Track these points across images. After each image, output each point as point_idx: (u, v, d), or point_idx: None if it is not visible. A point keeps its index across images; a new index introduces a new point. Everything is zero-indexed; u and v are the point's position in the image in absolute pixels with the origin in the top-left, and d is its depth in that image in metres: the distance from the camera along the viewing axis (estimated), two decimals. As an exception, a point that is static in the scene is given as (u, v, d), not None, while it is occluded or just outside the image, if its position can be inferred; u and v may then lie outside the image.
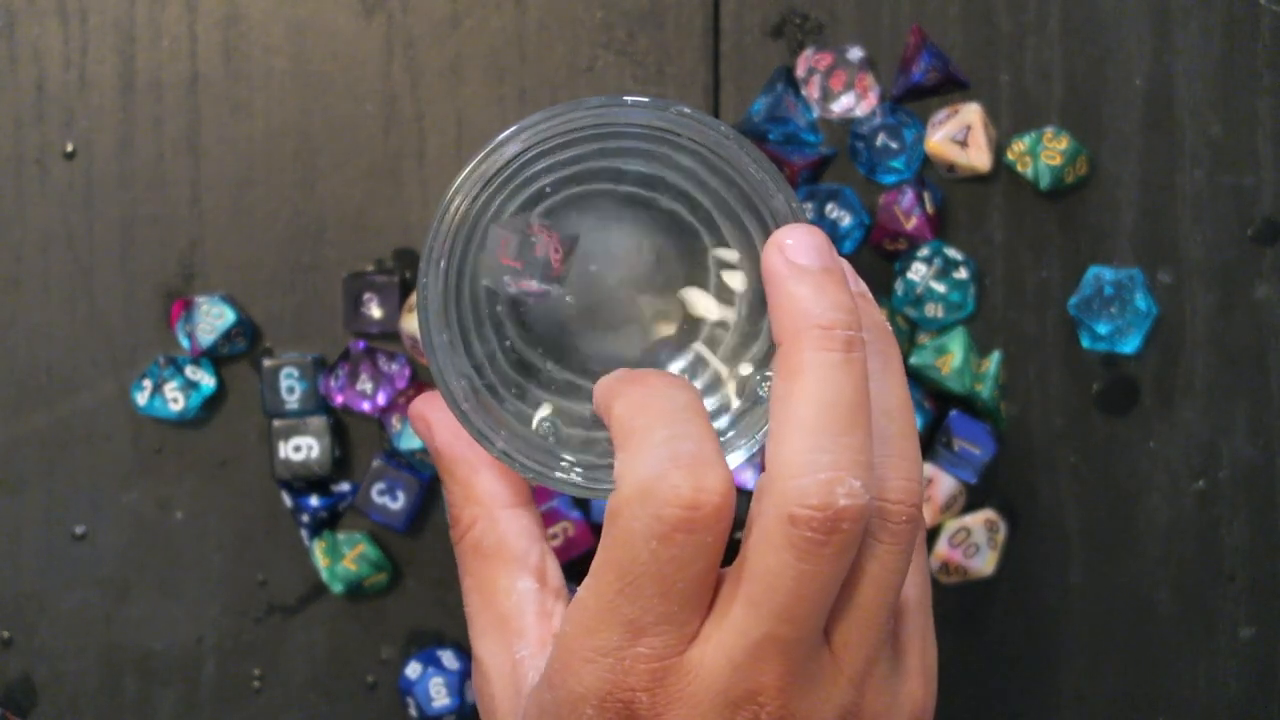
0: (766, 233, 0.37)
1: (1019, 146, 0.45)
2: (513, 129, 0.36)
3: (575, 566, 0.46)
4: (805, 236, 0.34)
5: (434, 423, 0.38)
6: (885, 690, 0.34)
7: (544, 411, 0.38)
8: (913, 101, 0.46)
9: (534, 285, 0.37)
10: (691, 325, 0.38)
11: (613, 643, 0.32)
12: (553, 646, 0.34)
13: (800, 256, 0.34)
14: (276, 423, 0.46)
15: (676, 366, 0.38)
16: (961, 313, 0.45)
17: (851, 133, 0.45)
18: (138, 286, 0.47)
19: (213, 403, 0.46)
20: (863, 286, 0.36)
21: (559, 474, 0.37)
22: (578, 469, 0.37)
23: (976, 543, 0.46)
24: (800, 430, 0.32)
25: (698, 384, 0.38)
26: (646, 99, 0.36)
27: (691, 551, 0.32)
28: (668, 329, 0.38)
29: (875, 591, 0.33)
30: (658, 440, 0.32)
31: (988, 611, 0.47)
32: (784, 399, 0.33)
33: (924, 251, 0.45)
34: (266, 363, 0.46)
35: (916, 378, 0.46)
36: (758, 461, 0.45)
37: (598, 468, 0.37)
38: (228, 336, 0.46)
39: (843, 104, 0.45)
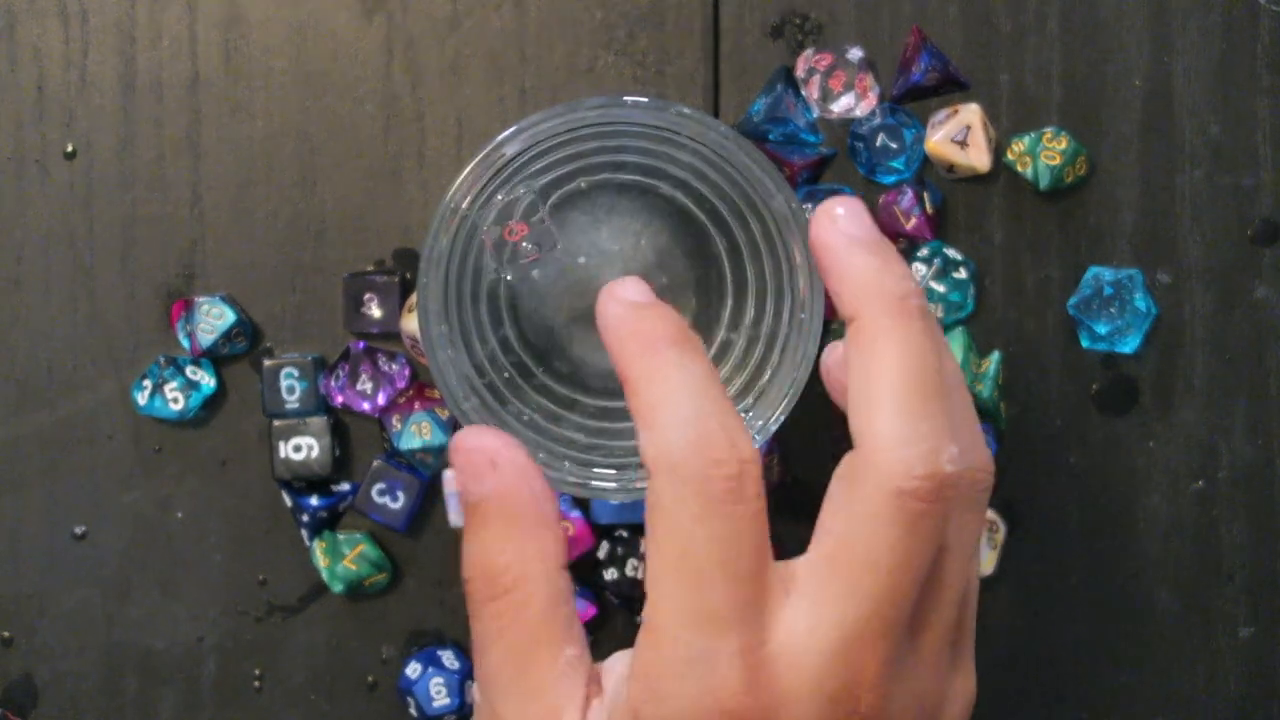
0: (767, 233, 0.37)
1: (1018, 147, 0.45)
2: (513, 129, 0.36)
3: (575, 567, 0.46)
4: (855, 206, 0.33)
5: (502, 460, 0.33)
6: (947, 680, 0.33)
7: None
8: (912, 102, 0.46)
9: (525, 255, 0.36)
10: (705, 332, 0.38)
11: (697, 647, 0.30)
12: (628, 683, 0.31)
13: (854, 228, 0.33)
14: (276, 423, 0.46)
15: None
16: (961, 313, 0.45)
17: (851, 133, 0.45)
18: (138, 286, 0.47)
19: (213, 403, 0.46)
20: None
21: (559, 474, 0.37)
22: (579, 469, 0.37)
23: (976, 543, 0.46)
24: (892, 401, 0.31)
25: None
26: (646, 99, 0.36)
27: (744, 524, 0.30)
28: None
29: (957, 566, 0.32)
30: (685, 416, 0.31)
31: (988, 611, 0.47)
32: (867, 371, 0.31)
33: (924, 252, 0.45)
34: (266, 363, 0.46)
35: (916, 378, 0.46)
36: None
37: (598, 466, 0.37)
38: (228, 336, 0.46)
39: (842, 104, 0.45)
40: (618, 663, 0.33)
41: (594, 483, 0.37)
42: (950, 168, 0.45)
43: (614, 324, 0.33)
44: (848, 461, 0.32)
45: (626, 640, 0.46)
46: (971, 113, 0.45)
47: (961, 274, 0.45)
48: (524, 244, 0.35)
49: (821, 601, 0.31)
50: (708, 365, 0.32)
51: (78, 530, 0.47)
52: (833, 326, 0.46)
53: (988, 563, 0.46)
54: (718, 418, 0.31)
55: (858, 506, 0.31)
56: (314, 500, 0.46)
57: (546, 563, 0.33)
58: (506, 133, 0.36)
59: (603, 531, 0.46)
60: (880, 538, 0.30)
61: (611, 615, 0.47)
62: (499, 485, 0.33)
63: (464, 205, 0.36)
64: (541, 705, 0.32)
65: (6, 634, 0.47)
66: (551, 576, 0.33)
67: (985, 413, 0.46)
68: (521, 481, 0.33)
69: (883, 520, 0.30)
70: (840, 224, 0.33)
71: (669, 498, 0.31)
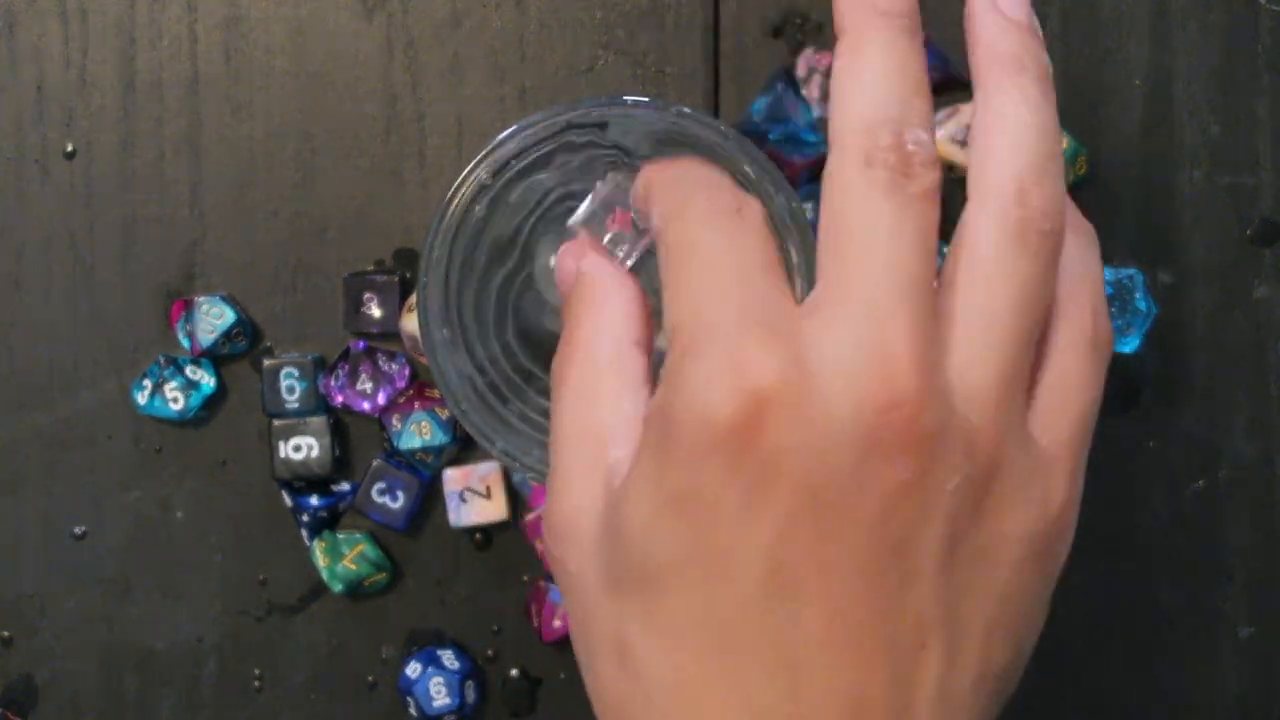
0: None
1: (1019, 146, 0.45)
2: (513, 129, 0.36)
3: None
4: None
5: (587, 247, 0.34)
6: (1015, 459, 0.30)
7: None
8: (913, 101, 0.45)
9: (634, 242, 0.36)
10: None
11: (719, 330, 0.29)
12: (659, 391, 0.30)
13: (1008, 6, 0.32)
14: (276, 423, 0.46)
15: None
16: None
17: (851, 133, 0.45)
18: (138, 286, 0.47)
19: (213, 403, 0.46)
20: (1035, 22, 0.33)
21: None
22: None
23: (976, 543, 0.46)
24: (867, 90, 0.30)
25: None
26: (646, 98, 0.36)
27: (747, 237, 0.30)
28: None
29: (993, 292, 0.30)
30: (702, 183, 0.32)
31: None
32: (842, 73, 0.31)
33: (924, 251, 0.45)
34: (266, 363, 0.46)
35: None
36: None
37: None
38: (228, 336, 0.46)
39: (843, 104, 0.45)
40: None
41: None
42: (951, 167, 0.45)
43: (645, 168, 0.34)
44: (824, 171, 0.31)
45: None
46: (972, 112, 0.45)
47: (962, 274, 0.45)
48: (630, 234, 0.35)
49: (829, 292, 0.29)
50: (719, 170, 0.33)
51: (78, 530, 0.47)
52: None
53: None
54: (723, 181, 0.32)
55: (836, 193, 0.30)
56: (314, 500, 0.46)
57: (613, 327, 0.33)
58: (506, 132, 0.36)
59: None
60: (861, 213, 0.29)
61: (611, 615, 0.47)
62: (585, 261, 0.34)
63: (463, 205, 0.36)
64: (592, 450, 0.32)
65: (6, 634, 0.47)
66: (617, 338, 0.32)
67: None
68: (594, 266, 0.34)
69: (858, 193, 0.29)
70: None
71: (674, 234, 0.31)
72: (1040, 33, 0.33)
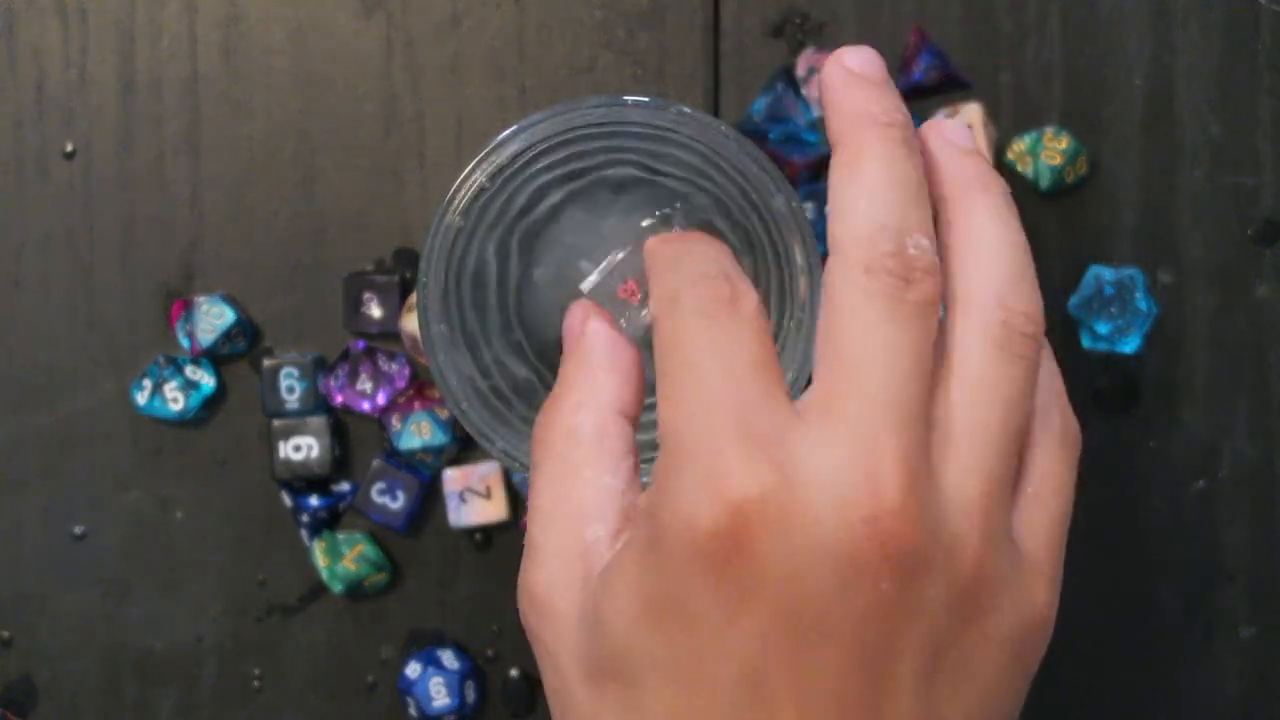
0: (768, 232, 0.37)
1: (1019, 146, 0.45)
2: (513, 129, 0.36)
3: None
4: (869, 54, 0.33)
5: (592, 320, 0.34)
6: (999, 565, 0.30)
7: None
8: (913, 101, 0.45)
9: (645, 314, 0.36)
10: None
11: (705, 442, 0.29)
12: (645, 494, 0.31)
13: (858, 65, 0.33)
14: (276, 423, 0.46)
15: None
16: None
17: (852, 132, 0.45)
18: (138, 286, 0.47)
19: (213, 403, 0.46)
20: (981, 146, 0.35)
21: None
22: None
23: (977, 543, 0.46)
24: (866, 198, 0.30)
25: None
26: (646, 99, 0.36)
27: (740, 334, 0.30)
28: None
29: (981, 400, 0.30)
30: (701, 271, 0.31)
31: (988, 611, 0.47)
32: (841, 182, 0.31)
33: (924, 251, 0.45)
34: (266, 363, 0.46)
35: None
36: None
37: None
38: (228, 336, 0.46)
39: (843, 104, 0.45)
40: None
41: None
42: (951, 167, 0.45)
43: (667, 253, 0.34)
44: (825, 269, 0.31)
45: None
46: (972, 112, 0.45)
47: (962, 274, 0.45)
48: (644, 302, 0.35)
49: (823, 401, 0.29)
50: (722, 246, 0.33)
51: (77, 530, 0.47)
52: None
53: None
54: (719, 266, 0.31)
55: (835, 300, 0.30)
56: (314, 500, 0.46)
57: (600, 398, 0.33)
58: (506, 132, 0.36)
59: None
60: (858, 325, 0.29)
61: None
62: (589, 325, 0.34)
63: (464, 205, 0.36)
64: (571, 526, 0.32)
65: (6, 634, 0.47)
66: (603, 411, 0.33)
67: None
68: (597, 333, 0.34)
69: (855, 303, 0.29)
70: (846, 62, 0.33)
71: (668, 327, 0.31)
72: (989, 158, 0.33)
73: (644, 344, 0.34)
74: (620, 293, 0.35)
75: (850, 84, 0.32)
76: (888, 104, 0.32)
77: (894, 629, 0.29)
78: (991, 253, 0.31)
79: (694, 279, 0.31)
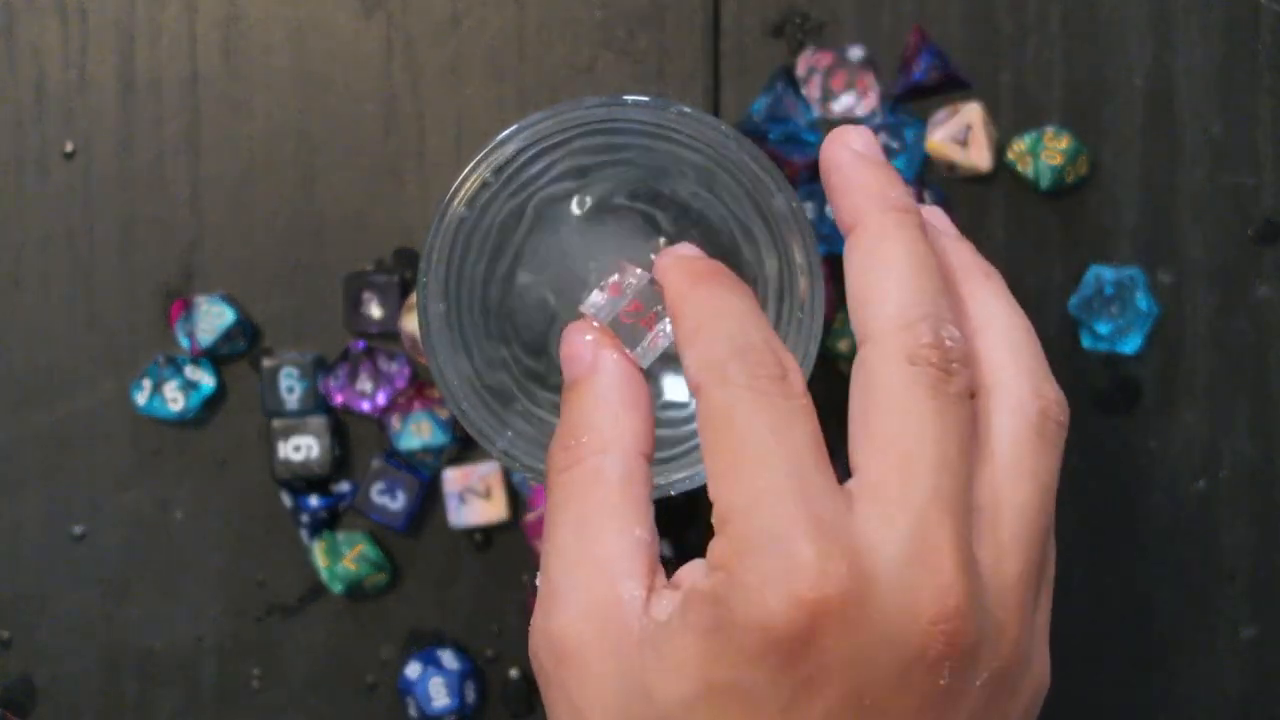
0: (769, 232, 0.37)
1: (1019, 146, 0.45)
2: (513, 128, 0.36)
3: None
4: (866, 132, 0.34)
5: (603, 347, 0.34)
6: (1029, 645, 0.32)
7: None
8: (913, 101, 0.45)
9: (653, 337, 0.34)
10: None
11: (774, 528, 0.29)
12: (707, 575, 0.30)
13: (863, 147, 0.33)
14: (276, 423, 0.46)
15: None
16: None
17: (852, 132, 0.45)
18: (138, 286, 0.46)
19: (212, 403, 0.46)
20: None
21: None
22: None
23: (977, 543, 0.46)
24: (898, 285, 0.31)
25: None
26: (646, 98, 0.36)
27: (796, 415, 0.30)
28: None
29: (1019, 487, 0.31)
30: (730, 332, 0.31)
31: (988, 611, 0.47)
32: (868, 266, 0.32)
33: (924, 251, 0.45)
34: (266, 362, 0.46)
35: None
36: None
37: None
38: (227, 336, 0.46)
39: (843, 103, 0.45)
40: (692, 569, 0.32)
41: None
42: (951, 167, 0.45)
43: (666, 263, 0.34)
44: (856, 360, 0.31)
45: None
46: (972, 112, 0.45)
47: (962, 274, 0.45)
48: (655, 327, 0.34)
49: (874, 488, 0.30)
50: (750, 296, 0.33)
51: (77, 530, 0.47)
52: (834, 327, 0.45)
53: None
54: (761, 333, 0.31)
55: (877, 394, 0.30)
56: (314, 500, 0.46)
57: (624, 440, 0.32)
58: (506, 132, 0.36)
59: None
60: (906, 410, 0.30)
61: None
62: (594, 365, 0.33)
63: (464, 205, 0.36)
64: (601, 577, 0.31)
65: (6, 634, 0.47)
66: (628, 454, 0.32)
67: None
68: (615, 366, 0.33)
69: (901, 391, 0.30)
70: (852, 143, 0.33)
71: (719, 399, 0.30)
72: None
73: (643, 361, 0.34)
74: (624, 316, 0.34)
75: (860, 165, 0.33)
76: (900, 189, 0.33)
77: (944, 710, 0.30)
78: (1015, 341, 0.33)
79: (740, 350, 0.31)
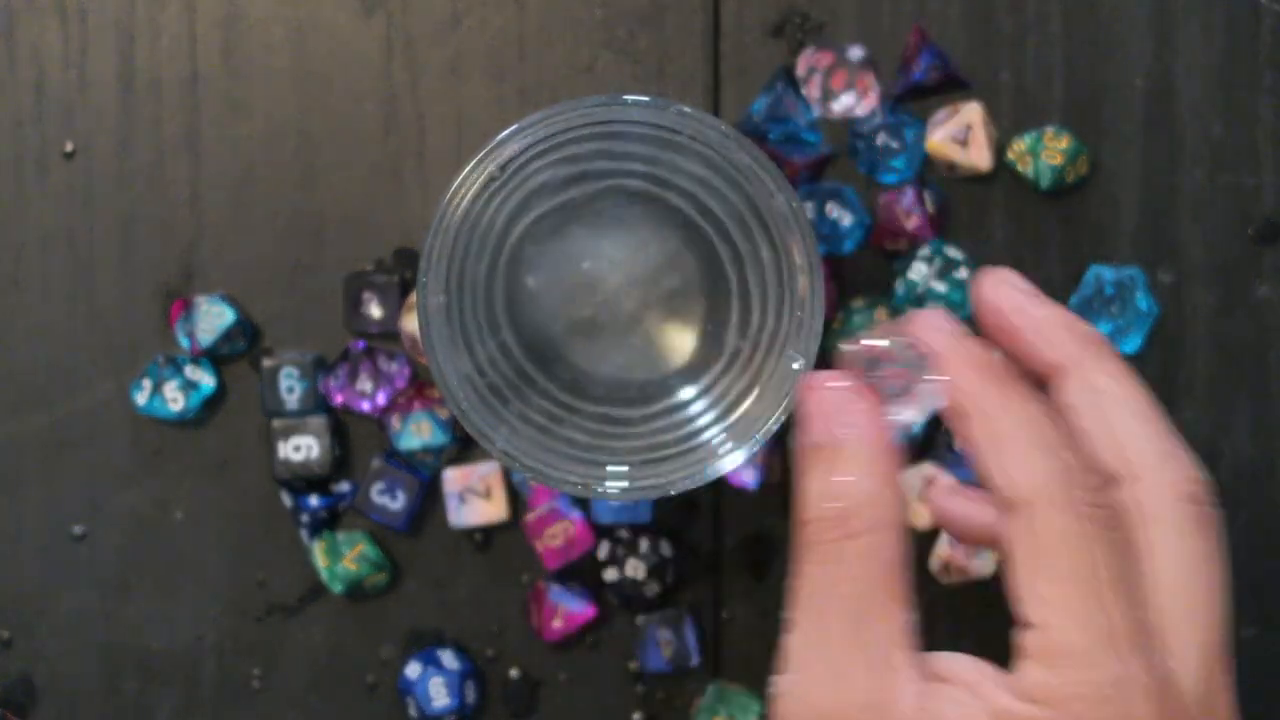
0: (768, 232, 0.37)
1: (1019, 146, 0.45)
2: (513, 128, 0.36)
3: (575, 567, 0.46)
4: (1014, 273, 0.35)
5: (865, 402, 0.32)
6: None
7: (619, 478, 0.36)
8: (913, 101, 0.45)
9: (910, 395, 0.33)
10: (714, 339, 0.38)
11: (1113, 671, 0.30)
12: (1027, 706, 0.30)
13: (1026, 286, 0.34)
14: (276, 422, 0.46)
15: (691, 391, 0.38)
16: (962, 312, 0.45)
17: (851, 132, 0.45)
18: (137, 286, 0.46)
19: (212, 403, 0.46)
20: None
21: (559, 474, 0.37)
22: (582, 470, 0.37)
23: (977, 543, 0.46)
24: (1143, 427, 0.32)
25: (712, 395, 0.38)
26: (646, 98, 0.36)
27: (1121, 548, 0.31)
28: (682, 344, 0.38)
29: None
30: (1048, 444, 0.31)
31: (988, 611, 0.46)
32: (1103, 409, 0.33)
33: (924, 251, 0.45)
34: (266, 362, 0.46)
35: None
36: (757, 462, 0.45)
37: (600, 466, 0.37)
38: (227, 336, 0.46)
39: (843, 103, 0.45)
40: (974, 670, 0.31)
41: (595, 483, 0.37)
42: (951, 167, 0.45)
43: (946, 344, 0.33)
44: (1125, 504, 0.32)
45: (627, 640, 0.46)
46: (972, 112, 0.45)
47: (962, 274, 0.45)
48: (911, 387, 0.33)
49: (1098, 630, 0.30)
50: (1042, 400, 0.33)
51: (76, 530, 0.47)
52: (833, 327, 0.45)
53: (988, 563, 0.46)
54: (1073, 451, 0.32)
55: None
56: (314, 500, 0.46)
57: (896, 522, 0.31)
58: (506, 132, 0.36)
59: (603, 531, 0.46)
60: (1188, 553, 0.31)
61: (612, 616, 0.47)
62: (866, 425, 0.32)
63: (464, 205, 0.36)
64: (872, 658, 0.30)
65: (6, 634, 0.47)
66: (901, 540, 0.31)
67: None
68: (883, 427, 0.32)
69: (1186, 532, 0.31)
70: (1013, 283, 0.34)
71: (1057, 524, 0.30)
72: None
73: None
74: (881, 380, 0.32)
75: (1040, 303, 0.34)
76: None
77: None
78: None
79: (1068, 472, 0.31)
